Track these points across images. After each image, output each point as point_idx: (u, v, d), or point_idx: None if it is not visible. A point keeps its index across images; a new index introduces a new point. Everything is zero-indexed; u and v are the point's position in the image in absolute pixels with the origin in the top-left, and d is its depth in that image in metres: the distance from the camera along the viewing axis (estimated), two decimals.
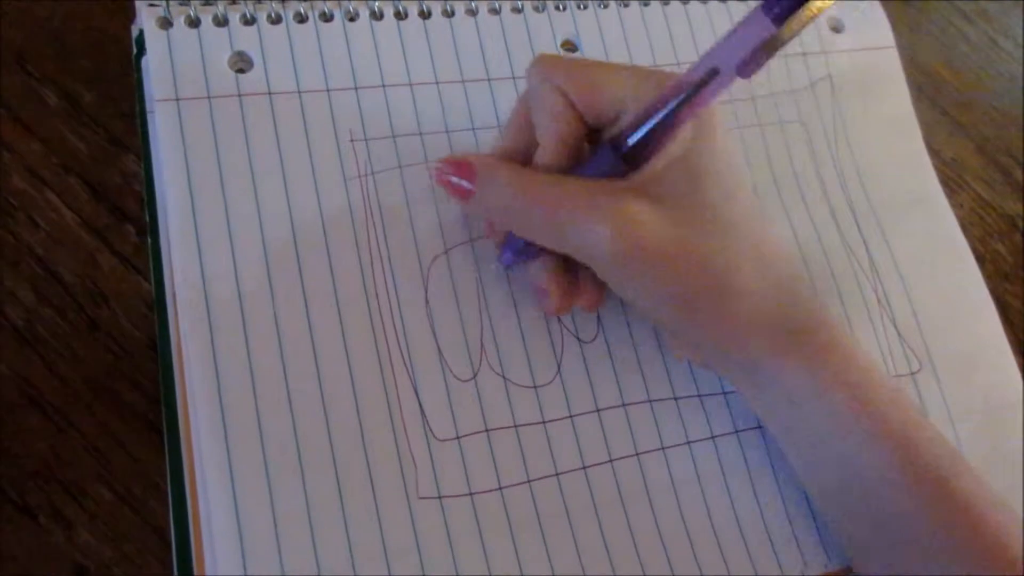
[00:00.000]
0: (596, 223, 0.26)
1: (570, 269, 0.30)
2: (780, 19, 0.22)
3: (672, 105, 0.25)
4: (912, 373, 0.35)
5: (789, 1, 0.21)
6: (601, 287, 0.30)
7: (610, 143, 0.27)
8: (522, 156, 0.30)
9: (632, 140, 0.26)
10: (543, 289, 0.30)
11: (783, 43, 0.22)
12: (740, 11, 0.39)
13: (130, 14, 0.32)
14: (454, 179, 0.28)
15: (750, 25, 0.22)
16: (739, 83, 0.37)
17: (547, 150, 0.28)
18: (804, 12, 0.21)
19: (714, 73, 0.24)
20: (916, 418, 0.28)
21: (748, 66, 0.23)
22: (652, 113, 0.26)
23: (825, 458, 0.29)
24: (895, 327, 0.36)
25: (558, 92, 0.28)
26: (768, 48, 0.22)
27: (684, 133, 0.26)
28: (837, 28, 0.40)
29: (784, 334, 0.28)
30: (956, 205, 0.39)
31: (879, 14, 0.42)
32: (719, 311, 0.27)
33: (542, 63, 0.28)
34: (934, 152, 0.40)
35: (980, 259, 0.39)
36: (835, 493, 0.29)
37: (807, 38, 0.39)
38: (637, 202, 0.26)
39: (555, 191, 0.27)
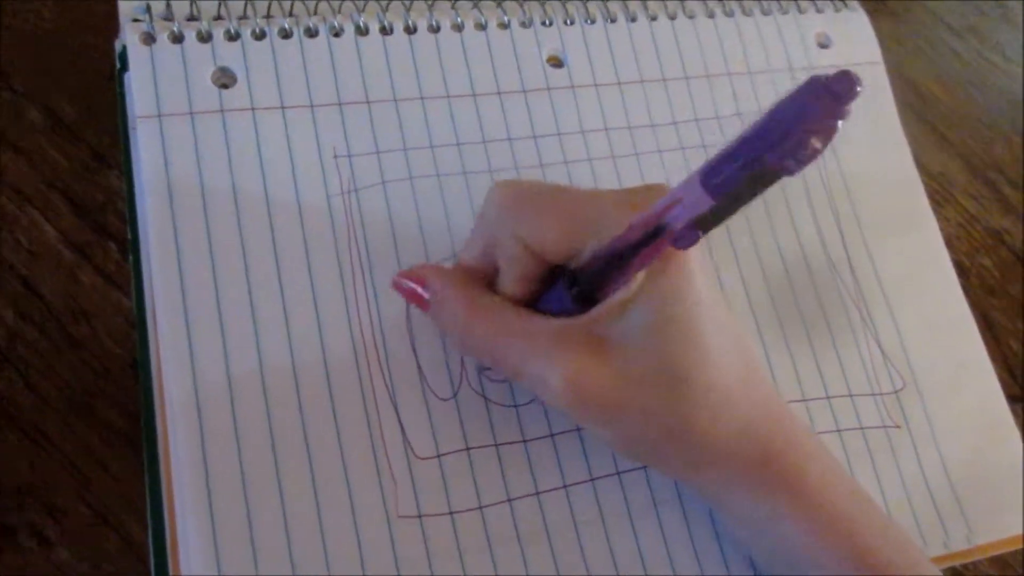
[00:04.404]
0: (540, 370, 0.25)
1: None
2: (718, 193, 0.19)
3: (622, 256, 0.23)
4: (896, 391, 0.35)
5: (729, 176, 0.19)
6: None
7: (565, 282, 0.26)
8: (485, 272, 0.28)
9: (583, 283, 0.25)
10: None
11: (726, 217, 0.20)
12: (728, 28, 0.39)
13: (114, 29, 0.32)
14: (413, 289, 0.28)
15: (689, 191, 0.20)
16: (726, 99, 0.37)
17: (506, 287, 0.27)
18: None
19: (660, 230, 0.22)
20: (872, 540, 0.27)
21: (685, 239, 0.21)
22: (603, 259, 0.24)
23: (783, 569, 0.29)
24: (879, 345, 0.36)
25: (514, 238, 0.26)
26: (703, 224, 0.21)
27: (644, 271, 0.25)
28: (824, 44, 0.40)
29: (737, 468, 0.27)
30: (943, 219, 0.39)
31: (866, 29, 0.42)
32: (667, 455, 0.27)
33: (497, 203, 0.27)
34: (921, 166, 0.40)
35: (966, 274, 0.39)
36: None
37: (794, 53, 0.39)
38: (582, 352, 0.25)
39: (502, 329, 0.26)
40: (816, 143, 0.18)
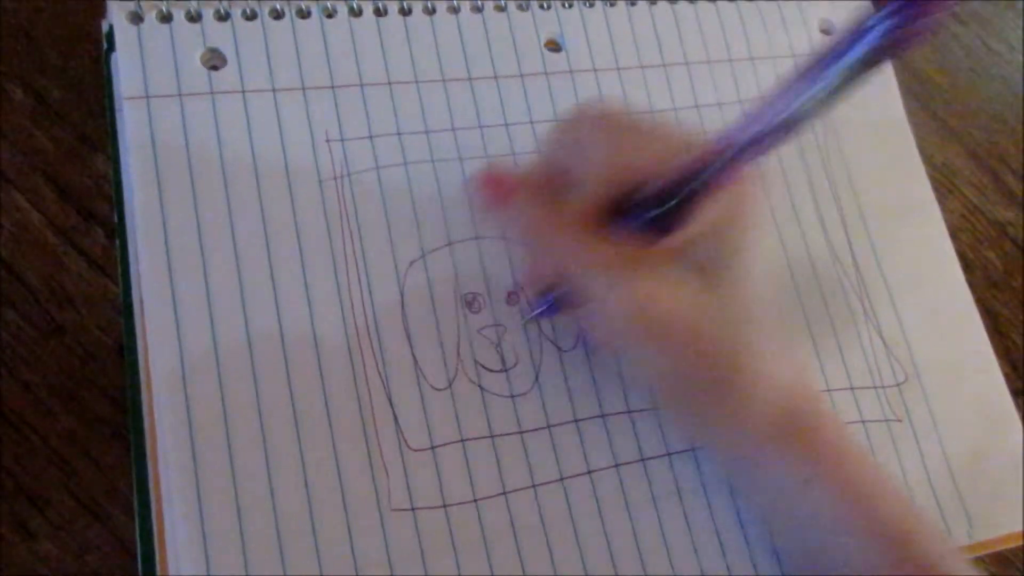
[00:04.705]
0: (609, 287, 0.25)
1: None
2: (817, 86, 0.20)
3: (699, 178, 0.24)
4: (898, 384, 0.35)
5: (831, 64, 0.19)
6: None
7: (640, 208, 0.26)
8: (552, 187, 0.28)
9: (660, 209, 0.25)
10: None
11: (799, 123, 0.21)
12: (730, 13, 0.38)
13: (100, 8, 0.31)
14: (491, 182, 0.29)
15: (772, 102, 0.21)
16: (728, 85, 0.37)
17: (575, 207, 0.27)
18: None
19: (739, 150, 0.22)
20: (906, 511, 0.27)
21: (763, 144, 0.22)
22: (680, 183, 0.25)
23: (810, 547, 0.28)
24: (881, 337, 0.35)
25: (596, 158, 0.26)
26: (782, 130, 0.21)
27: (718, 202, 0.25)
28: (827, 30, 0.40)
29: (780, 429, 0.27)
30: (946, 211, 0.39)
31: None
32: (718, 399, 0.27)
33: (584, 123, 0.27)
34: (925, 157, 0.39)
35: (969, 266, 0.38)
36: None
37: (796, 39, 0.39)
38: (656, 275, 0.25)
39: (578, 244, 0.26)
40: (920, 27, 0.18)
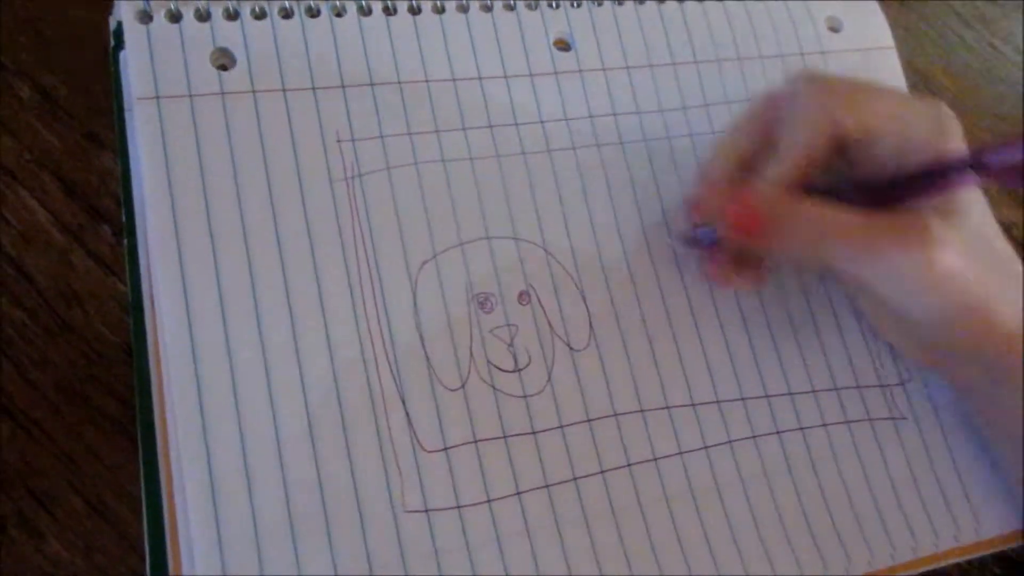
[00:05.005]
0: (912, 252, 0.27)
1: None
2: None
3: (957, 174, 0.26)
4: (903, 382, 0.35)
5: None
6: (764, 270, 0.32)
7: (882, 180, 0.28)
8: (749, 160, 0.31)
9: (907, 188, 0.28)
10: (715, 269, 0.32)
11: None
12: (739, 11, 0.38)
13: (107, 4, 0.31)
14: (744, 213, 0.29)
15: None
16: (737, 83, 0.37)
17: (789, 167, 0.29)
18: None
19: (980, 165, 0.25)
20: None
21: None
22: (934, 174, 0.27)
23: None
24: None
25: (828, 115, 0.28)
26: None
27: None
28: (835, 28, 0.40)
29: None
30: None
31: (877, 14, 0.41)
32: (974, 334, 0.29)
33: (817, 82, 0.29)
34: None
35: None
36: None
37: (805, 37, 0.39)
38: (938, 227, 0.27)
39: (862, 227, 0.28)
40: None
